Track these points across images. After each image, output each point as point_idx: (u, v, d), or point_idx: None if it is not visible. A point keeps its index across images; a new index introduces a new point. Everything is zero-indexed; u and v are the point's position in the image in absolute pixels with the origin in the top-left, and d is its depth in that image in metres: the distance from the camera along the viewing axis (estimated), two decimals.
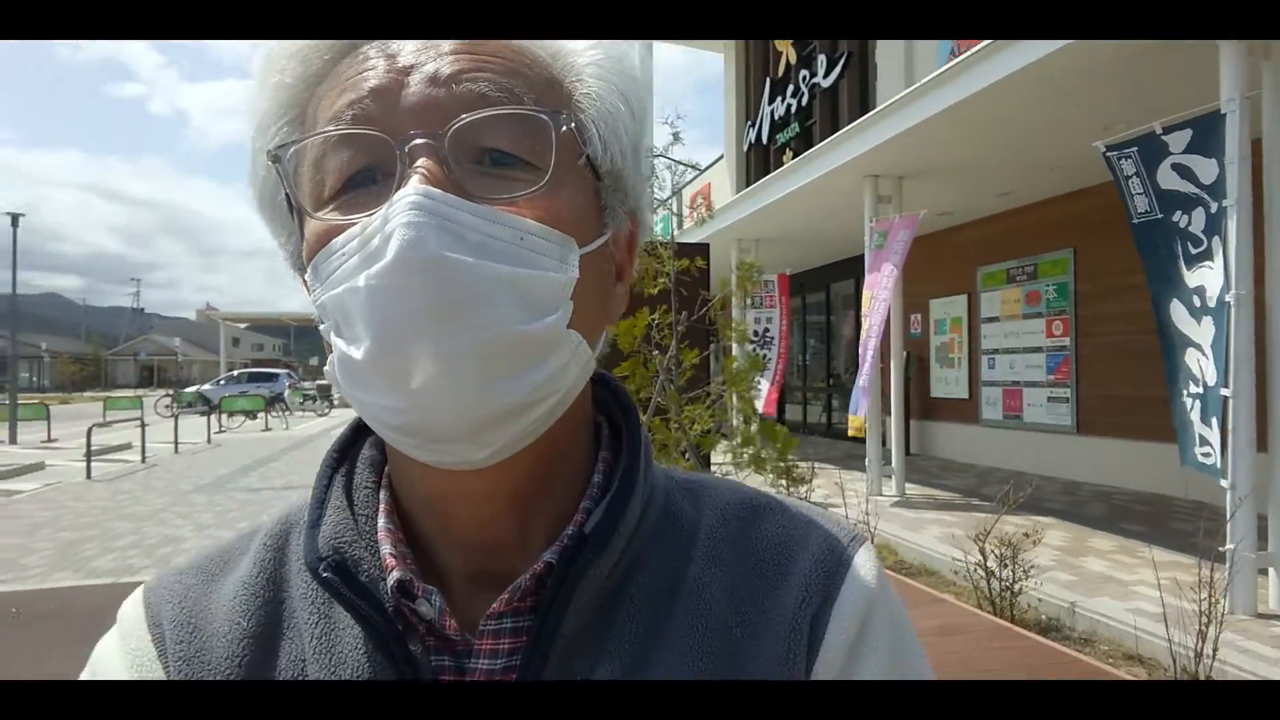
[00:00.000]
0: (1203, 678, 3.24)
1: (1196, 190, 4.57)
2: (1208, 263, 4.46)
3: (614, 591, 0.51)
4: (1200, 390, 4.41)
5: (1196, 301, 4.51)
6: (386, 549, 0.51)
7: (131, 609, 0.54)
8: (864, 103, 12.27)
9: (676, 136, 5.79)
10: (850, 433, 7.37)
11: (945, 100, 6.09)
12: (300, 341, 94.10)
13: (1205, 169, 4.49)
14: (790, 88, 14.23)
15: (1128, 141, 4.81)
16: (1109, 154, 4.89)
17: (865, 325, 7.49)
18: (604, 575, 0.50)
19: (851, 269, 11.67)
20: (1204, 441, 4.36)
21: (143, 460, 12.59)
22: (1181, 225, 4.64)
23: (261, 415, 21.19)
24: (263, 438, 17.52)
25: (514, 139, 0.47)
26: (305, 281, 0.50)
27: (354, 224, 0.45)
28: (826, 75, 13.02)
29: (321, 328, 0.48)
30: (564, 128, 0.48)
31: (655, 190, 7.04)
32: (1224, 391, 4.28)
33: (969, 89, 5.82)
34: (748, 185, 16.14)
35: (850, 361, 12.54)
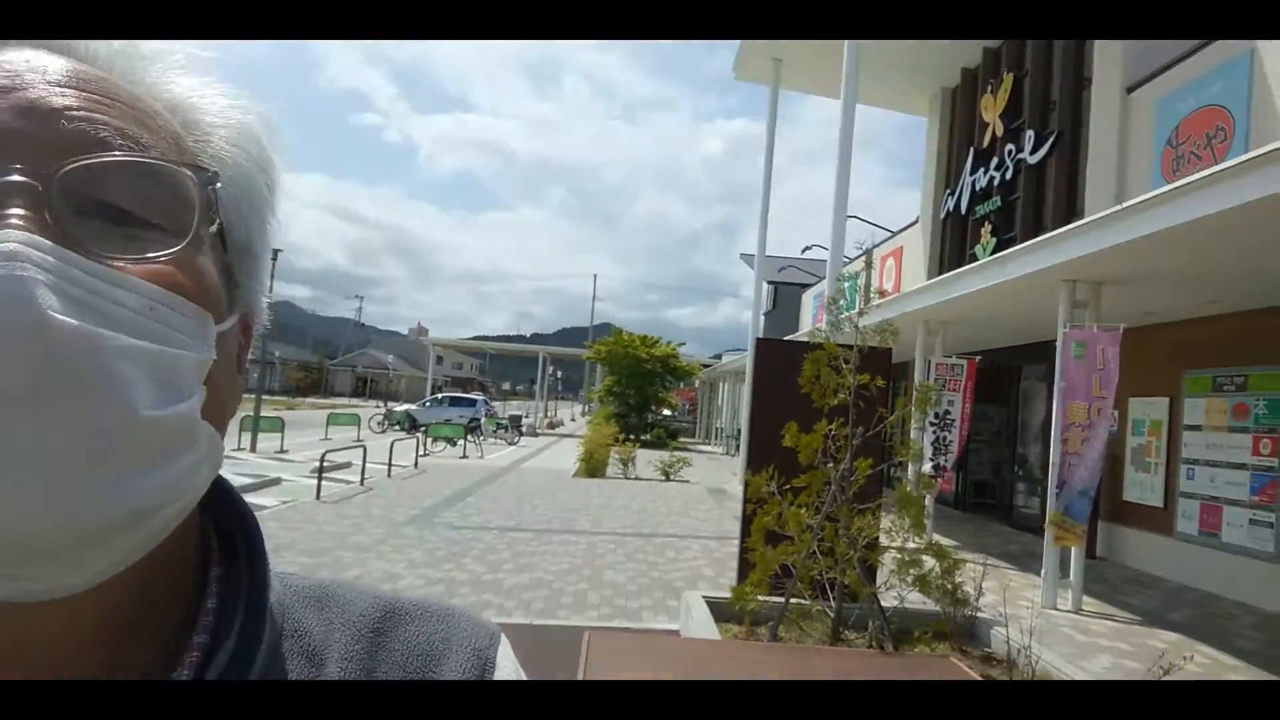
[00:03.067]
0: None
1: None
2: None
3: None
4: None
5: None
6: None
7: None
8: (1071, 183, 11.99)
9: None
10: (1068, 542, 7.41)
11: (1157, 223, 5.97)
12: (494, 363, 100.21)
13: None
14: (995, 160, 14.06)
15: None
16: None
17: (1084, 437, 7.41)
18: None
19: (1042, 354, 11.37)
20: None
21: (361, 483, 14.10)
22: None
23: (460, 441, 22.93)
24: (460, 465, 19.01)
25: (139, 195, 0.40)
26: None
27: None
28: (1034, 152, 12.80)
29: None
30: (208, 187, 0.43)
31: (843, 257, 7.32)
32: None
33: (1182, 217, 5.70)
34: (942, 253, 16.04)
35: (1041, 449, 12.18)
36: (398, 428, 29.80)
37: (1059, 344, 7.82)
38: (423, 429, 23.85)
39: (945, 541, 6.90)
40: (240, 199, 0.47)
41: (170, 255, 0.40)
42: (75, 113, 0.40)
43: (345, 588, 0.56)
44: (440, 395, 37.49)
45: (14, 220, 0.36)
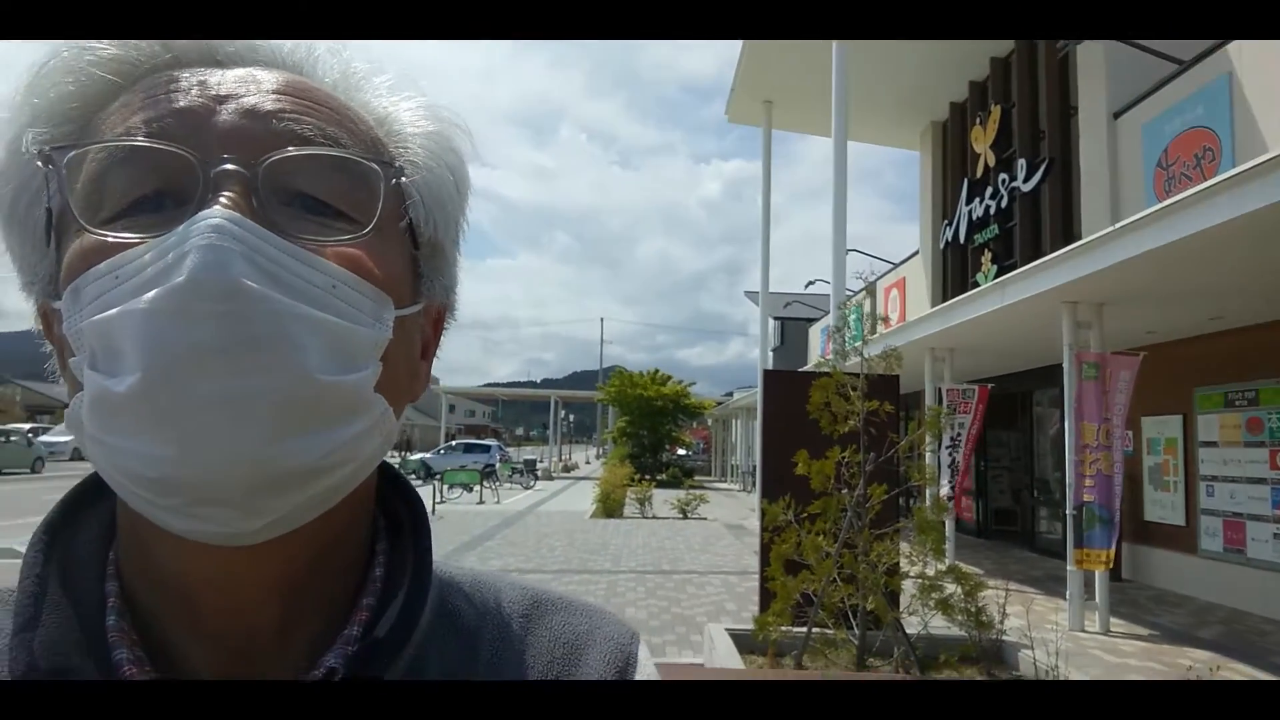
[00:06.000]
0: None
1: None
2: None
3: None
4: None
5: None
6: (122, 654, 0.44)
7: None
8: (1066, 208, 12.14)
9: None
10: (1092, 566, 7.43)
11: (1152, 241, 6.05)
12: (506, 410, 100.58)
13: None
14: (989, 189, 14.23)
15: None
16: None
17: (1102, 460, 7.49)
18: None
19: (1052, 378, 11.43)
20: None
21: None
22: None
23: (476, 487, 22.97)
24: (478, 511, 19.00)
25: (333, 187, 0.45)
26: (45, 313, 0.46)
27: (137, 244, 0.40)
28: (1027, 180, 12.97)
29: (72, 361, 0.41)
30: (393, 181, 0.47)
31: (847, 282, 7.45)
32: None
33: (1177, 233, 5.78)
34: (944, 282, 16.14)
35: (1060, 473, 12.17)
36: (413, 476, 29.87)
37: (1066, 365, 7.90)
38: (438, 476, 23.93)
39: (968, 569, 6.93)
40: (430, 199, 0.50)
41: (355, 241, 0.45)
42: (285, 114, 0.45)
43: (496, 577, 0.61)
44: (454, 443, 37.65)
45: (224, 200, 0.40)
